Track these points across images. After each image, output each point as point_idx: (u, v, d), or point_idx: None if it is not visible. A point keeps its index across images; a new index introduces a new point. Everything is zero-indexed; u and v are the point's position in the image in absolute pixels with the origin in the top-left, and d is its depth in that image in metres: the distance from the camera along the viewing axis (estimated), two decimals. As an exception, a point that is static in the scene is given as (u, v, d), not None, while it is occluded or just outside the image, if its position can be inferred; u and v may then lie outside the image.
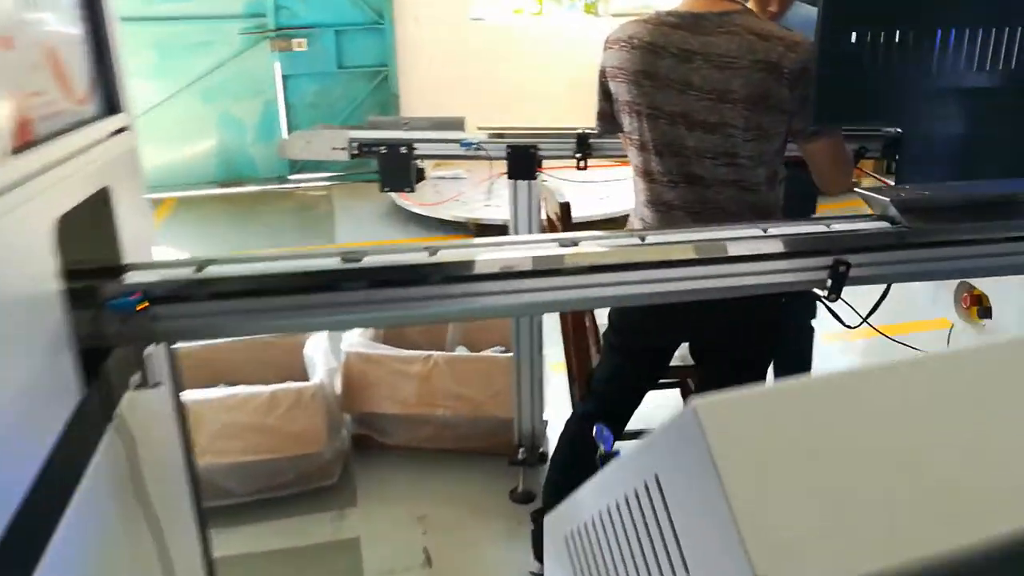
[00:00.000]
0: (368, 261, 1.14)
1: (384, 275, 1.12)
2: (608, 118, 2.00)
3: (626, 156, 2.02)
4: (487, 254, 1.16)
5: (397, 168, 2.46)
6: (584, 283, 1.15)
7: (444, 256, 1.15)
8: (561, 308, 1.13)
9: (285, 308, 1.10)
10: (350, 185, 7.08)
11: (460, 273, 1.13)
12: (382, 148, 2.46)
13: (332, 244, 5.83)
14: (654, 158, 1.87)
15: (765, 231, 1.25)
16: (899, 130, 2.17)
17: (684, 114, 1.80)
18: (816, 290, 1.24)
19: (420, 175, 2.55)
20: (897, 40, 1.62)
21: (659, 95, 1.81)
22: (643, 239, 1.24)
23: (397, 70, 7.37)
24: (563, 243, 1.22)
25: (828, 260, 1.20)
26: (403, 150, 2.45)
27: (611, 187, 4.98)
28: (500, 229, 3.70)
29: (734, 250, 1.18)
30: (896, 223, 1.22)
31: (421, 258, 1.15)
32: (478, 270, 1.13)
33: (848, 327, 1.53)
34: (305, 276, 1.12)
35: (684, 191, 1.87)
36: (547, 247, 1.21)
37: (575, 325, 2.46)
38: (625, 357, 2.11)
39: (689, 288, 1.18)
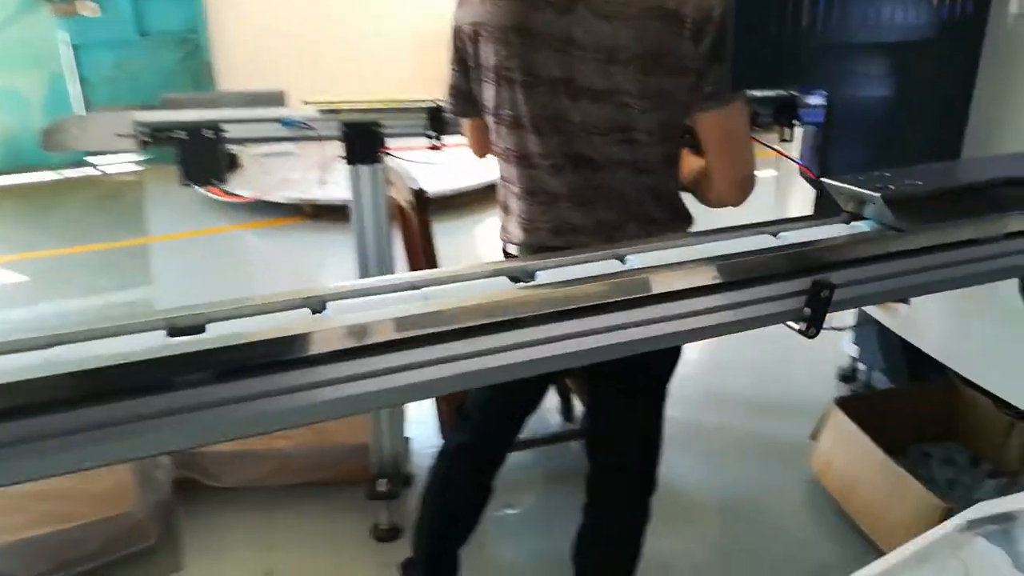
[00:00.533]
0: (212, 334, 0.68)
1: (236, 359, 0.67)
2: (463, 95, 1.59)
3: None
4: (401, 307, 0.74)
5: (202, 156, 1.94)
6: (557, 333, 0.77)
7: (335, 318, 0.72)
8: (525, 372, 0.71)
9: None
10: (166, 167, 6.23)
11: (359, 344, 0.71)
12: (181, 133, 1.92)
13: (146, 238, 5.07)
14: (532, 137, 1.48)
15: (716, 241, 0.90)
16: (792, 92, 1.91)
17: (566, 79, 1.42)
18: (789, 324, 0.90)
19: (233, 162, 2.03)
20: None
21: (536, 56, 1.41)
22: (622, 259, 0.86)
23: (209, 36, 6.53)
24: (513, 276, 0.82)
25: (804, 282, 0.87)
26: (208, 134, 1.92)
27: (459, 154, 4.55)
28: (340, 211, 3.19)
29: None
30: (886, 225, 0.91)
31: (302, 322, 0.71)
32: (389, 333, 0.72)
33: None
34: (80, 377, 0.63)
35: (570, 176, 1.50)
36: (487, 285, 0.80)
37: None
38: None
39: (693, 327, 0.83)
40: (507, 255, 1.66)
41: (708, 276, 0.84)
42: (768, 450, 2.85)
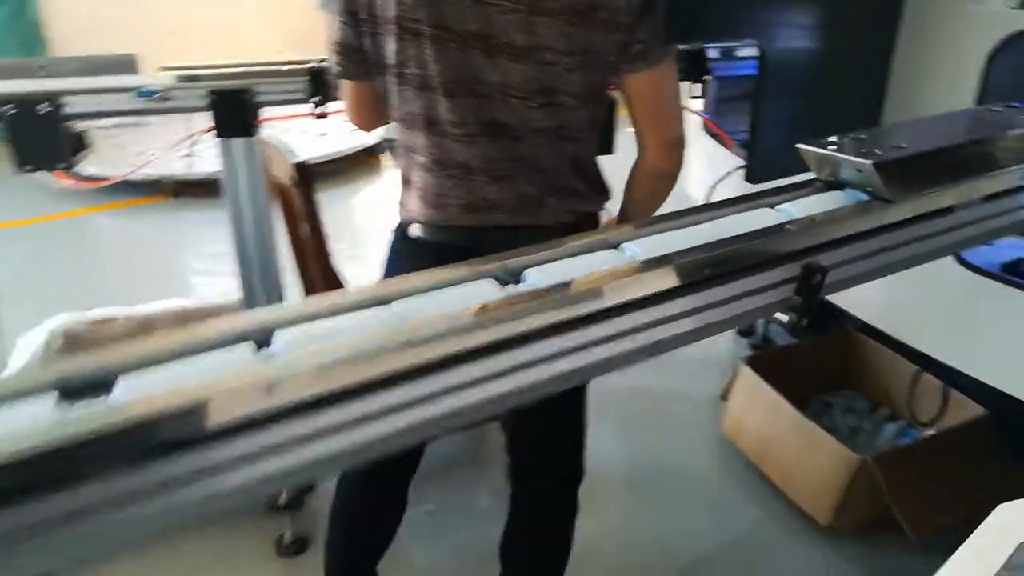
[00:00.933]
0: (124, 395, 0.48)
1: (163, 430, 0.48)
2: (353, 53, 1.37)
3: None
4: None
5: (38, 136, 1.63)
6: (568, 346, 0.64)
7: (290, 358, 0.54)
8: (531, 395, 0.56)
9: None
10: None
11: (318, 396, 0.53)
12: (8, 108, 1.61)
13: (-21, 226, 4.49)
14: (442, 100, 1.30)
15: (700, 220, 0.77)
16: (705, 44, 1.80)
17: (482, 34, 1.24)
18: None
19: (80, 143, 1.74)
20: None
21: (445, 6, 1.23)
22: (617, 245, 0.71)
23: (38, -8, 5.83)
24: (502, 279, 0.66)
25: (793, 268, 0.75)
26: (44, 108, 1.62)
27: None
28: (206, 187, 2.87)
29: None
30: (872, 195, 0.81)
31: (247, 366, 0.52)
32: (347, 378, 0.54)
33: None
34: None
35: (486, 146, 1.33)
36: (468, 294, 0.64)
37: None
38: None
39: (678, 332, 0.70)
40: (404, 234, 1.47)
41: (701, 270, 0.70)
42: (678, 413, 2.83)
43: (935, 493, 2.21)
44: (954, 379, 1.79)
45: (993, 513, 0.70)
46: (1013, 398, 1.47)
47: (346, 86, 1.44)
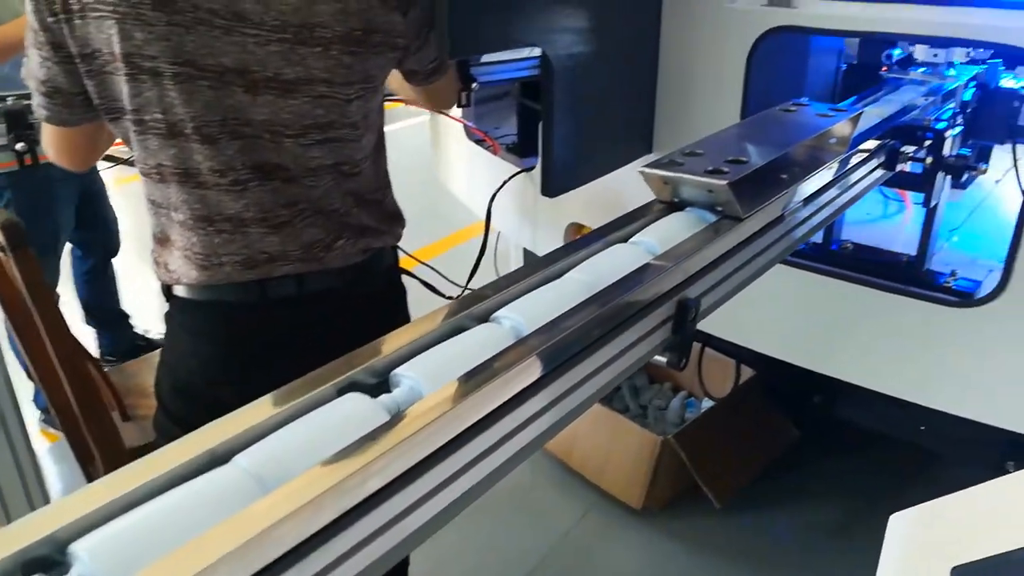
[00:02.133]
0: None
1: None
2: (65, 94, 1.10)
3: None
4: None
5: None
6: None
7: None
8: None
9: None
10: None
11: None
12: None
13: None
14: (198, 147, 1.08)
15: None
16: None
17: (240, 69, 1.05)
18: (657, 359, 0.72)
19: None
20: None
21: (188, 38, 1.01)
22: (489, 318, 0.59)
23: None
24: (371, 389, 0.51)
25: (668, 308, 0.68)
26: None
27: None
28: None
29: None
30: (723, 214, 0.76)
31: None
32: None
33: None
34: None
35: (258, 193, 1.13)
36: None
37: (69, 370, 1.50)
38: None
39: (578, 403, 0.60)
40: (172, 297, 1.24)
41: (590, 333, 0.61)
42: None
43: (728, 459, 2.37)
44: (731, 350, 1.89)
45: (890, 528, 0.68)
46: (778, 360, 1.56)
47: (54, 131, 1.18)
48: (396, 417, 0.50)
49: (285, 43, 1.04)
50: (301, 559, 0.42)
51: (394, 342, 0.57)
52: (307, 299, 1.21)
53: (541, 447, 0.60)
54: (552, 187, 1.34)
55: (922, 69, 1.57)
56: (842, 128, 0.98)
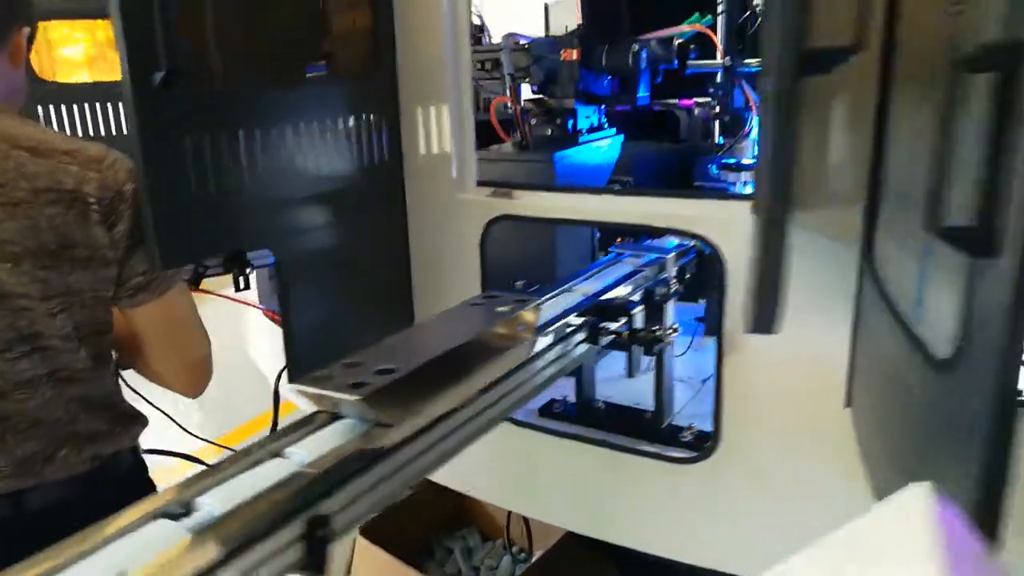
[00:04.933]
0: None
1: None
2: None
3: None
4: None
5: None
6: None
7: None
8: None
9: None
10: None
11: None
12: None
13: None
14: None
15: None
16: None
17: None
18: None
19: None
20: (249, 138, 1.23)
21: None
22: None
23: None
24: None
25: (296, 528, 0.71)
26: None
27: None
28: None
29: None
30: (371, 422, 0.81)
31: None
32: None
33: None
34: None
35: (-36, 412, 1.10)
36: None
37: None
38: None
39: None
40: None
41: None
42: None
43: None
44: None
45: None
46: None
47: None
48: None
49: None
50: None
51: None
52: (28, 518, 1.15)
53: None
54: (299, 375, 1.37)
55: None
56: (526, 317, 1.08)
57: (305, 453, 0.79)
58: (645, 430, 1.49)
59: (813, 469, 1.23)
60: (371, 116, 1.46)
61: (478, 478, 1.68)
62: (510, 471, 1.60)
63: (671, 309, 1.47)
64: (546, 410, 1.60)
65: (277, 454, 0.79)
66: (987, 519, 0.48)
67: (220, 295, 2.01)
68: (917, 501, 0.37)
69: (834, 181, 1.13)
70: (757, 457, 1.29)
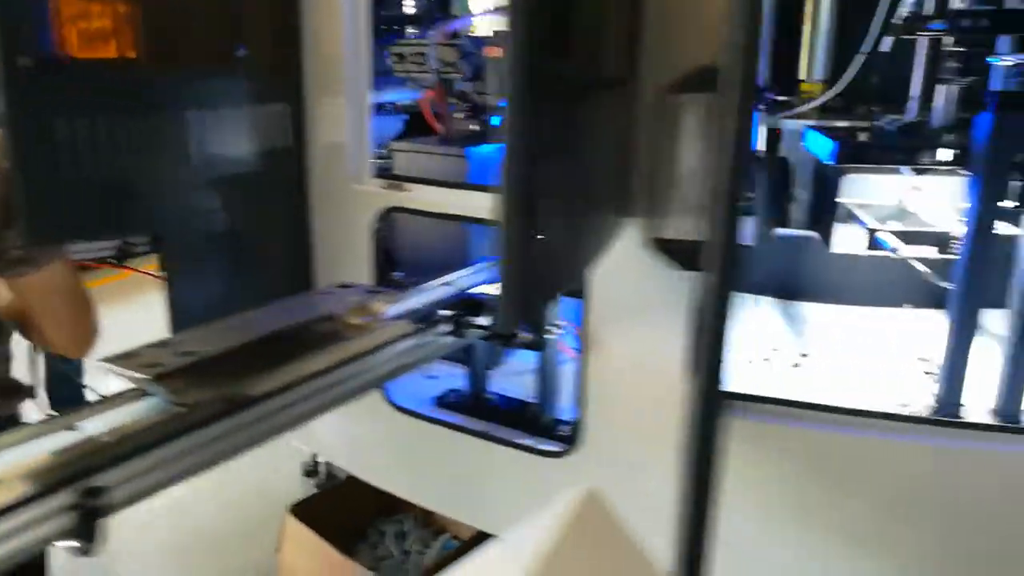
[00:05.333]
0: None
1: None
2: None
3: None
4: None
5: None
6: None
7: None
8: None
9: None
10: None
11: None
12: None
13: None
14: None
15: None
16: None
17: None
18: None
19: None
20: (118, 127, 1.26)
21: None
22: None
23: None
24: None
25: (70, 497, 0.75)
26: None
27: None
28: None
29: None
30: (172, 402, 0.84)
31: None
32: None
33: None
34: None
35: None
36: None
37: None
38: None
39: None
40: None
41: None
42: (236, 570, 2.69)
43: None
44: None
45: None
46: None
47: None
48: None
49: None
50: None
51: None
52: None
53: None
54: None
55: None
56: (373, 307, 1.10)
57: (98, 427, 0.82)
58: (527, 423, 1.52)
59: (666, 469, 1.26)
60: (271, 105, 1.49)
61: (367, 460, 1.72)
62: (396, 456, 1.64)
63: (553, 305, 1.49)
64: (441, 400, 1.64)
65: (69, 427, 0.82)
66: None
67: (141, 271, 2.05)
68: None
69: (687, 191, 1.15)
70: (615, 452, 1.32)
